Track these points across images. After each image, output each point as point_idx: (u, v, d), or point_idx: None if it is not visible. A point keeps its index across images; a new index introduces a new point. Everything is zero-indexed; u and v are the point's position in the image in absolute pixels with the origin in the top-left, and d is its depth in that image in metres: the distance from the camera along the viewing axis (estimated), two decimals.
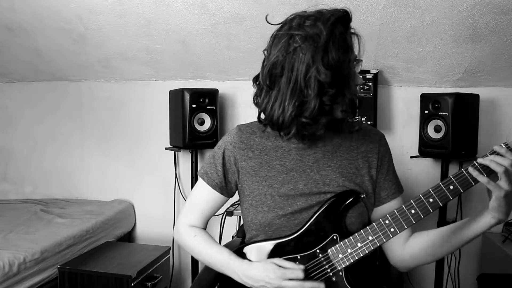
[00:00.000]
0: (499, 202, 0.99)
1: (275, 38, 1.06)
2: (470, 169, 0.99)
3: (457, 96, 2.18)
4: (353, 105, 1.08)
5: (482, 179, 0.98)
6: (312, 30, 0.99)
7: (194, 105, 2.47)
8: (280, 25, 1.07)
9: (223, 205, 1.27)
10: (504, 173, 0.96)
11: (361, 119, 2.41)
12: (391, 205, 1.18)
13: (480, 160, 0.99)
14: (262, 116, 1.12)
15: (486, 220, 1.04)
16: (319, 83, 0.99)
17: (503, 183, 0.96)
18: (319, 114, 1.02)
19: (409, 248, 1.18)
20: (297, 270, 1.06)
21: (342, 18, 1.02)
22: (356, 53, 1.07)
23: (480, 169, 0.99)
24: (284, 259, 1.11)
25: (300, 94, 1.01)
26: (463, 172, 1.01)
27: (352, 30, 1.06)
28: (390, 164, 1.22)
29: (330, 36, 0.98)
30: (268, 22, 1.08)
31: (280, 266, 1.07)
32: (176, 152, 2.82)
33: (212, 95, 2.53)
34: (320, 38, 0.98)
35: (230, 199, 1.28)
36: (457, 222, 1.12)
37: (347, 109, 1.06)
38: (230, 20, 2.31)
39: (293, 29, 1.01)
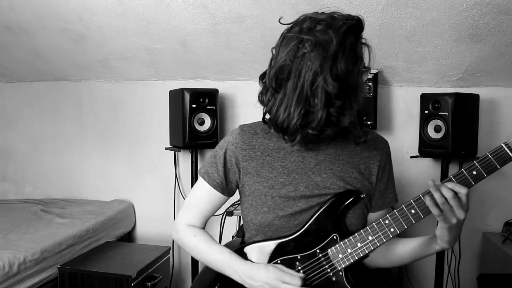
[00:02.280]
0: (442, 232, 1.03)
1: (284, 38, 1.03)
2: (427, 198, 1.00)
3: (457, 96, 2.18)
4: (360, 116, 1.07)
5: (434, 210, 0.99)
6: (323, 37, 0.97)
7: (194, 105, 2.47)
8: (290, 25, 1.04)
9: (222, 205, 1.27)
10: (444, 204, 0.98)
11: None
12: (383, 214, 1.19)
13: (429, 182, 1.00)
14: (267, 116, 1.11)
15: (433, 245, 1.09)
16: (326, 93, 0.97)
17: (447, 215, 0.99)
18: (326, 125, 1.01)
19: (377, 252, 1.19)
20: (296, 277, 1.06)
21: (354, 27, 1.00)
22: (366, 63, 1.06)
23: (435, 201, 0.99)
24: (284, 258, 1.12)
25: (306, 102, 0.99)
26: (463, 172, 1.01)
27: (363, 40, 1.04)
28: (390, 173, 1.22)
29: (341, 46, 0.97)
30: (280, 23, 1.06)
31: (281, 270, 1.08)
32: (176, 152, 2.82)
33: (212, 95, 2.53)
34: (330, 47, 0.96)
35: (230, 198, 1.27)
36: (419, 239, 1.15)
37: (355, 120, 1.06)
38: (230, 20, 2.31)
39: (303, 33, 0.99)
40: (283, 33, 1.05)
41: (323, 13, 1.03)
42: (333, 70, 0.96)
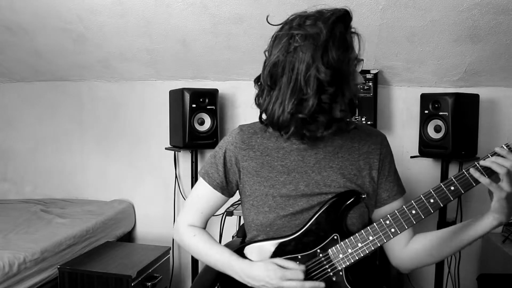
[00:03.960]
0: (501, 203, 1.00)
1: (275, 38, 1.06)
2: (472, 170, 0.99)
3: (457, 96, 2.18)
4: (352, 105, 1.08)
5: (484, 180, 0.98)
6: (312, 30, 0.99)
7: (194, 105, 2.47)
8: (280, 26, 1.07)
9: (223, 205, 1.27)
10: (506, 174, 0.96)
11: (361, 119, 2.41)
12: (392, 206, 1.18)
13: (482, 162, 0.99)
14: (264, 116, 1.12)
15: (488, 221, 1.04)
16: (318, 81, 0.99)
17: (504, 184, 0.96)
18: (318, 112, 1.02)
19: (410, 249, 1.18)
20: (297, 270, 1.06)
21: (343, 17, 1.02)
22: (357, 52, 1.07)
23: (482, 170, 0.98)
24: (284, 258, 1.12)
25: (300, 92, 1.01)
26: (464, 173, 1.01)
27: (352, 29, 1.06)
28: (391, 166, 1.22)
29: (330, 35, 0.99)
30: (268, 22, 1.08)
31: (281, 266, 1.08)
32: (176, 152, 2.82)
33: (212, 95, 2.53)
34: (320, 37, 0.98)
35: (230, 199, 1.27)
36: (459, 224, 1.12)
37: (346, 108, 1.06)
38: (230, 20, 2.31)
39: (294, 29, 1.01)
40: (274, 34, 1.07)
41: (311, 11, 1.05)
42: (324, 58, 0.98)
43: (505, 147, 0.99)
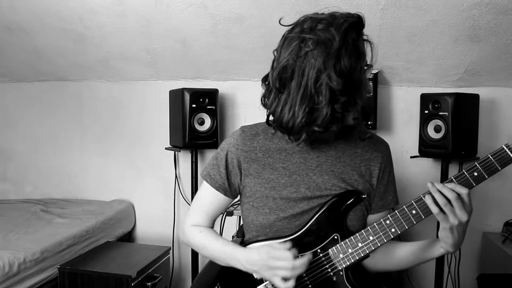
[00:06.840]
0: (446, 233, 1.01)
1: (285, 39, 1.03)
2: (427, 197, 1.00)
3: (457, 96, 2.18)
4: (364, 112, 1.07)
5: (433, 209, 0.99)
6: (325, 35, 0.97)
7: (194, 105, 2.47)
8: (291, 27, 1.04)
9: (228, 205, 1.28)
10: (445, 206, 0.98)
11: None
12: (384, 215, 1.19)
13: (428, 184, 1.00)
14: (271, 118, 1.10)
15: (436, 248, 1.08)
16: (330, 90, 0.97)
17: (449, 216, 0.98)
18: (331, 121, 1.00)
19: (383, 254, 1.19)
20: (286, 251, 1.04)
21: (356, 24, 1.00)
22: (369, 60, 1.06)
23: (436, 200, 0.99)
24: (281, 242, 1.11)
25: (310, 100, 0.99)
26: (464, 173, 1.01)
27: (364, 37, 1.04)
28: (390, 175, 1.22)
29: (343, 43, 0.97)
30: (281, 24, 1.05)
31: (273, 247, 1.07)
32: (176, 152, 2.82)
33: (212, 95, 2.53)
34: (332, 44, 0.96)
35: None
36: (423, 241, 1.14)
37: (359, 116, 1.05)
38: (230, 20, 2.31)
39: (305, 32, 0.99)
40: (284, 34, 1.05)
41: (323, 13, 1.03)
42: (336, 66, 0.96)
43: (453, 179, 1.00)
